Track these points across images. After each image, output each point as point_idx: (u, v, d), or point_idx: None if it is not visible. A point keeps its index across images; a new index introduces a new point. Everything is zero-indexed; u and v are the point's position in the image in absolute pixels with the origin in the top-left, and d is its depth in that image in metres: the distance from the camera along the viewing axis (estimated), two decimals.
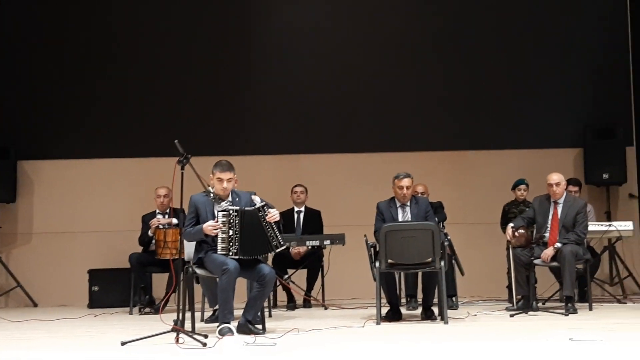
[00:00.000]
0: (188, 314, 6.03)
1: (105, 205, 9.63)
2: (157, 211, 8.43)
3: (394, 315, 6.87)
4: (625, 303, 8.10)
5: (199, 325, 6.44)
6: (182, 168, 5.73)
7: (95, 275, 8.84)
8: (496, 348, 5.13)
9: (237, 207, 6.01)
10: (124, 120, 9.81)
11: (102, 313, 8.07)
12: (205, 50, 9.93)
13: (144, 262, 8.19)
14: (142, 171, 9.56)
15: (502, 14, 9.93)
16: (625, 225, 8.35)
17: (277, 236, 6.02)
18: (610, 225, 8.39)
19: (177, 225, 8.15)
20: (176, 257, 7.56)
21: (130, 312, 8.08)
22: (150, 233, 8.23)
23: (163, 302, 7.92)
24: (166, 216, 8.39)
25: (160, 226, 8.13)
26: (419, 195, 7.77)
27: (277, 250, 6.11)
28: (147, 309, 8.09)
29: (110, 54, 9.89)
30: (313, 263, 8.44)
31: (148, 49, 9.91)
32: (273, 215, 6.01)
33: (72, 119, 9.82)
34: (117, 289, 8.64)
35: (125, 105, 9.84)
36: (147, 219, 8.39)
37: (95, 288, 8.79)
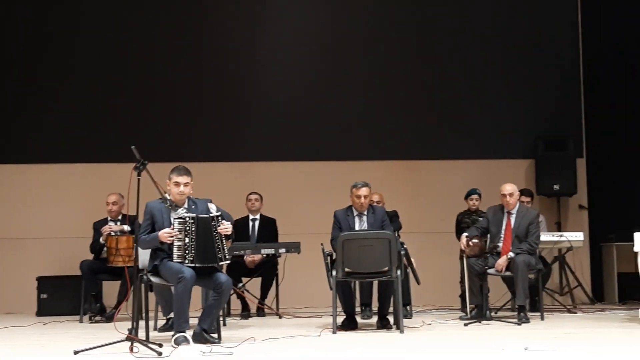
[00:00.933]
0: (142, 323, 5.92)
1: (56, 212, 9.45)
2: (109, 218, 8.29)
3: (349, 324, 6.86)
4: (576, 312, 8.23)
5: (153, 334, 6.33)
6: (139, 174, 5.65)
7: (44, 283, 8.67)
8: (454, 357, 5.16)
9: (194, 215, 5.94)
10: (76, 126, 9.63)
11: (52, 321, 7.90)
12: (162, 57, 9.83)
13: (95, 269, 8.04)
14: (94, 177, 9.41)
15: (458, 27, 10.04)
16: (576, 236, 8.51)
17: (223, 249, 5.94)
18: (561, 235, 8.54)
19: (129, 232, 8.03)
20: (129, 265, 7.51)
21: (81, 321, 7.93)
22: (102, 240, 8.10)
23: (116, 311, 7.87)
24: (118, 223, 8.26)
25: (112, 233, 8.00)
26: (375, 204, 7.79)
27: (220, 263, 6.02)
28: (98, 317, 7.94)
29: (66, 59, 9.72)
30: (268, 271, 8.40)
31: (105, 55, 9.76)
32: (225, 228, 5.94)
33: (23, 123, 9.62)
34: (67, 296, 8.47)
35: (79, 111, 9.67)
36: (98, 225, 8.25)
37: (44, 295, 8.62)
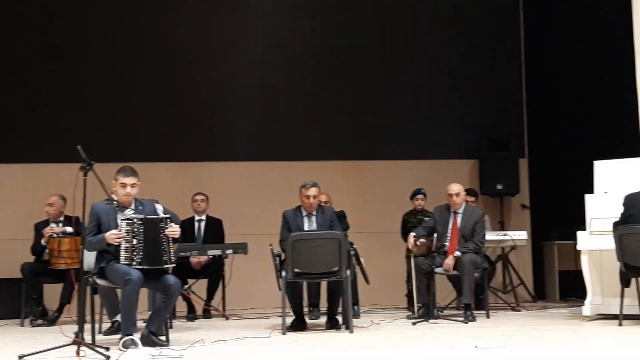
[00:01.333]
0: (87, 326, 5.79)
1: None
2: (51, 220, 8.09)
3: (299, 325, 6.84)
4: (519, 310, 8.36)
5: (98, 337, 6.20)
6: (85, 175, 5.52)
7: None
8: (405, 356, 5.19)
9: (142, 216, 5.84)
10: (16, 126, 9.40)
11: None
12: (103, 55, 9.64)
13: (36, 272, 7.85)
14: (35, 178, 9.21)
15: (404, 29, 10.12)
16: (520, 235, 8.66)
17: (169, 252, 5.85)
18: (505, 234, 8.68)
19: (71, 234, 7.86)
20: (71, 267, 7.35)
21: (22, 324, 7.74)
22: (43, 242, 7.90)
23: (58, 314, 7.71)
24: (60, 225, 8.07)
25: (55, 235, 7.81)
26: (323, 204, 7.77)
27: (165, 267, 5.92)
28: (40, 321, 7.75)
29: (5, 57, 9.46)
30: (214, 273, 8.31)
31: (45, 53, 9.53)
32: (173, 231, 5.86)
33: None
34: (6, 300, 8.29)
35: (17, 109, 9.44)
36: (40, 227, 8.05)
37: None
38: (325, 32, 10.05)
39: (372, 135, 9.99)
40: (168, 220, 5.87)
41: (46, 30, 9.60)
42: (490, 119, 10.10)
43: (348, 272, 6.58)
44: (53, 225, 8.05)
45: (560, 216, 9.51)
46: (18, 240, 8.53)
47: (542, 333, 6.33)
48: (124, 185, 5.90)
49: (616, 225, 6.67)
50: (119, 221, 5.86)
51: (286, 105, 9.89)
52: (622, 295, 6.59)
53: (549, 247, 9.77)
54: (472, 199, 8.71)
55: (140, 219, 5.79)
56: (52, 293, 8.06)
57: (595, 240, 6.95)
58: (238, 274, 8.39)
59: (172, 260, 5.87)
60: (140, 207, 6.00)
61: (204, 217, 8.60)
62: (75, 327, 5.46)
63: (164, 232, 5.82)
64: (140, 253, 5.75)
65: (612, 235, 6.62)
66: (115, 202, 5.90)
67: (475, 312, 7.42)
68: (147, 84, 9.71)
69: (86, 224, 5.80)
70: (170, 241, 5.86)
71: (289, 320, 6.79)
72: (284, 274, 6.60)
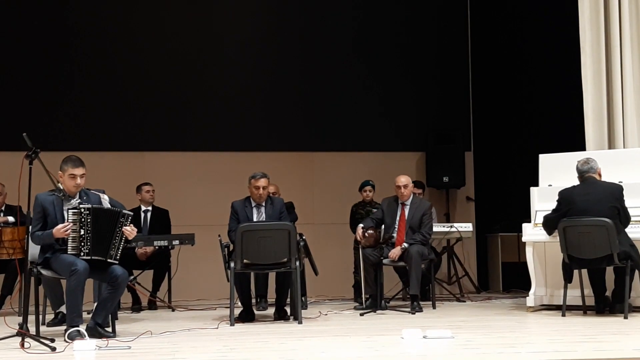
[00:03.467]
0: (31, 317, 5.66)
1: None
2: None
3: (247, 316, 6.81)
4: (464, 301, 8.48)
5: (42, 329, 6.07)
6: (31, 163, 5.39)
7: None
8: (355, 346, 5.21)
9: (89, 205, 5.74)
10: None
11: None
12: (52, 39, 9.42)
13: None
14: None
15: (353, 21, 10.14)
16: (466, 227, 8.77)
17: (118, 248, 5.77)
18: (452, 226, 8.78)
19: (14, 223, 7.68)
20: (14, 257, 7.19)
21: None
22: None
23: (1, 305, 7.53)
24: (2, 214, 7.87)
25: None
26: (272, 195, 7.75)
27: (108, 261, 5.81)
28: None
29: None
30: (160, 264, 8.22)
31: None
32: (131, 232, 5.79)
33: None
34: None
35: None
36: None
37: None
38: (278, 23, 10.00)
39: (321, 127, 10.00)
40: (129, 218, 5.78)
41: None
42: (437, 112, 10.20)
43: (297, 263, 6.58)
44: None
45: (504, 208, 9.67)
46: None
47: (488, 323, 6.42)
48: (73, 176, 5.79)
49: (547, 218, 6.82)
50: (64, 212, 5.75)
51: (236, 95, 9.82)
52: (565, 287, 6.72)
53: (493, 239, 9.93)
54: (419, 191, 8.79)
55: (88, 209, 5.69)
56: None
57: (540, 233, 7.07)
58: (184, 265, 8.32)
59: (117, 258, 5.78)
60: (85, 197, 5.89)
61: (150, 208, 8.50)
62: (18, 319, 5.36)
63: (121, 228, 5.73)
64: (89, 243, 5.66)
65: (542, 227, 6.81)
66: (62, 192, 5.78)
67: (421, 303, 7.48)
68: (94, 72, 9.53)
69: (31, 215, 5.66)
70: (124, 239, 5.78)
71: (237, 311, 6.76)
72: (232, 265, 6.56)
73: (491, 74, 10.23)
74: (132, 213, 5.92)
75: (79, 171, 5.80)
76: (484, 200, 10.15)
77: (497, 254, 9.80)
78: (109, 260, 5.74)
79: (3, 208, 7.93)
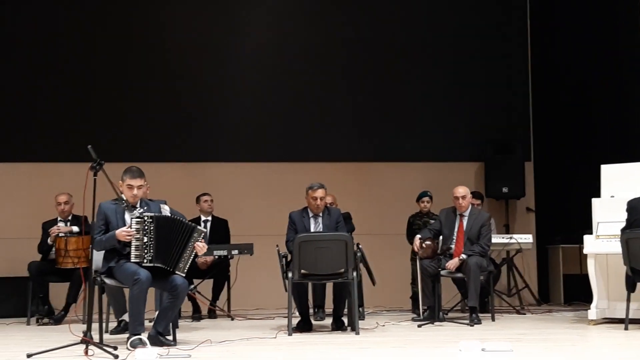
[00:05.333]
0: (95, 325, 5.80)
1: (2, 211, 9.20)
2: (59, 219, 8.11)
3: (304, 326, 6.85)
4: (524, 314, 8.37)
5: (105, 336, 6.21)
6: (95, 174, 5.54)
7: None
8: (412, 358, 5.20)
9: (152, 214, 5.87)
10: (24, 124, 9.42)
11: None
12: (113, 54, 9.67)
13: (44, 271, 7.87)
14: (42, 177, 9.23)
15: (410, 29, 10.13)
16: (526, 238, 8.67)
17: (188, 262, 5.87)
18: (511, 238, 8.68)
19: (78, 233, 7.88)
20: (78, 266, 7.38)
21: (28, 323, 7.76)
22: (50, 241, 7.91)
23: (65, 313, 7.73)
24: (68, 224, 8.09)
25: (61, 234, 7.83)
26: (329, 205, 7.79)
27: (176, 273, 5.89)
28: (46, 320, 7.78)
29: (11, 53, 9.47)
30: (219, 273, 8.34)
31: (53, 49, 9.56)
32: (202, 247, 5.90)
33: None
34: (13, 298, 8.34)
35: (27, 108, 9.45)
36: (47, 226, 8.06)
37: None
38: (331, 33, 10.04)
39: (379, 137, 10.00)
40: (202, 234, 5.91)
41: (55, 30, 9.60)
42: (497, 122, 10.10)
43: (354, 273, 6.60)
44: (60, 224, 8.06)
45: (565, 220, 9.53)
46: (25, 239, 8.53)
47: (548, 336, 6.33)
48: (130, 187, 5.93)
49: (623, 231, 6.68)
50: (127, 220, 5.89)
51: (293, 106, 9.90)
52: (628, 300, 6.60)
53: (554, 251, 9.78)
54: (477, 201, 8.72)
55: (151, 217, 5.81)
56: (58, 292, 8.07)
57: (602, 244, 6.96)
58: (243, 275, 8.41)
59: (184, 271, 5.89)
60: (145, 207, 6.02)
61: (210, 218, 8.62)
62: (82, 327, 5.49)
63: (194, 243, 5.84)
64: (152, 251, 5.77)
65: (619, 240, 6.63)
66: (124, 202, 5.92)
67: (480, 315, 7.42)
68: (155, 85, 9.72)
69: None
70: (194, 254, 5.89)
71: (295, 321, 6.80)
72: (290, 275, 6.61)
73: (552, 82, 10.10)
74: (205, 230, 6.02)
75: (136, 182, 5.93)
76: (545, 211, 10.00)
77: (558, 266, 9.65)
78: (177, 272, 5.83)
79: (70, 218, 8.13)
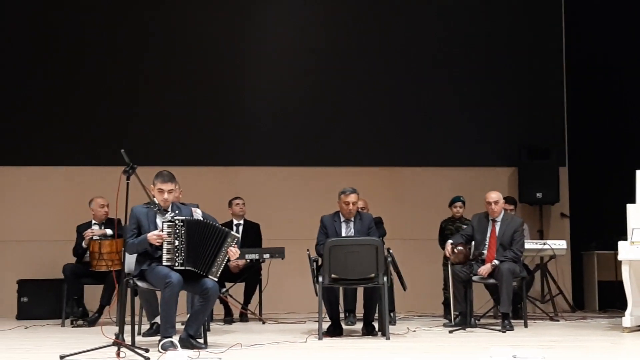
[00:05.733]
0: (127, 327, 5.86)
1: (38, 214, 9.34)
2: (94, 222, 8.21)
3: (335, 330, 6.84)
4: (558, 320, 8.27)
5: (137, 339, 6.27)
6: (128, 178, 5.60)
7: (24, 286, 8.63)
8: None
9: (183, 217, 5.91)
10: (60, 129, 9.54)
11: (33, 325, 7.82)
12: (149, 60, 9.76)
13: (78, 273, 7.97)
14: (76, 180, 9.35)
15: (443, 35, 10.09)
16: (559, 244, 8.58)
17: (220, 266, 5.92)
18: (544, 243, 8.59)
19: (112, 236, 7.97)
20: (112, 269, 7.46)
21: (62, 325, 7.85)
22: (84, 244, 8.01)
23: (99, 315, 7.82)
24: (102, 227, 8.18)
25: (95, 237, 7.92)
26: (360, 210, 7.77)
27: (208, 277, 5.92)
28: (80, 322, 7.86)
29: (45, 58, 9.62)
30: (251, 276, 8.37)
31: (88, 55, 9.68)
32: (235, 252, 5.94)
33: (3, 125, 9.49)
34: (47, 300, 8.45)
35: (62, 113, 9.57)
36: (81, 229, 8.15)
37: (24, 299, 8.58)
38: (363, 38, 10.05)
39: (412, 142, 9.96)
40: (235, 239, 5.95)
41: (88, 37, 9.72)
42: (531, 126, 10.02)
43: (385, 278, 6.58)
44: (94, 227, 8.15)
45: (600, 225, 9.41)
46: (60, 242, 8.66)
47: (581, 344, 6.26)
48: (161, 191, 5.98)
49: None
50: (158, 223, 5.94)
51: (326, 111, 9.92)
52: None
53: (589, 257, 9.65)
54: (510, 207, 8.64)
55: (182, 221, 5.86)
56: (92, 294, 8.17)
57: (637, 251, 6.86)
58: (275, 279, 8.44)
59: (217, 275, 5.93)
60: (177, 211, 6.07)
61: (242, 222, 8.67)
62: (115, 329, 5.55)
63: (227, 248, 5.88)
64: (183, 254, 5.81)
65: None
66: (156, 206, 5.97)
67: (513, 321, 7.36)
68: (187, 90, 9.79)
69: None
70: (227, 259, 5.93)
71: (326, 325, 6.81)
72: (320, 279, 6.62)
73: (587, 86, 9.96)
74: (238, 235, 6.05)
75: (167, 186, 5.98)
76: (579, 217, 9.88)
77: (593, 272, 9.52)
78: (210, 277, 5.87)
79: (104, 221, 8.22)
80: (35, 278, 8.74)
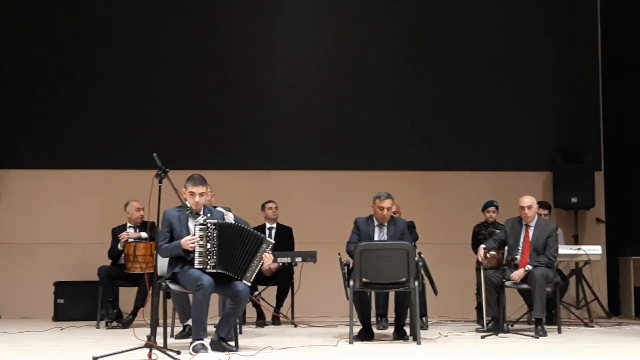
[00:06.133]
0: (159, 329, 5.92)
1: (74, 217, 9.49)
2: (129, 225, 8.30)
3: (366, 335, 6.84)
4: (593, 327, 8.18)
5: (170, 341, 6.34)
6: (160, 182, 5.66)
7: (60, 288, 8.75)
8: None
9: (215, 221, 5.96)
10: (94, 132, 9.70)
11: (68, 326, 7.93)
12: (182, 65, 9.88)
13: (113, 275, 8.06)
14: (112, 184, 9.47)
15: (475, 38, 10.04)
16: (594, 250, 8.47)
17: (254, 271, 5.96)
18: (579, 249, 8.50)
19: (146, 239, 8.05)
20: (146, 272, 7.53)
21: (97, 326, 7.95)
22: (120, 246, 8.11)
23: (133, 317, 7.91)
24: (137, 230, 8.27)
25: (130, 240, 8.01)
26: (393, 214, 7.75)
27: (242, 281, 5.96)
28: (115, 323, 7.95)
29: (80, 63, 9.77)
30: (283, 280, 8.40)
31: (122, 59, 9.82)
32: (269, 258, 5.99)
33: (40, 128, 9.67)
34: (83, 302, 8.58)
35: (96, 116, 9.74)
36: (117, 232, 8.25)
37: (61, 301, 8.69)
38: (394, 41, 10.04)
39: (445, 146, 9.93)
40: (270, 245, 5.99)
41: (120, 40, 9.85)
42: (566, 130, 9.92)
43: (416, 283, 6.56)
44: (129, 230, 8.24)
45: (636, 230, 9.28)
46: (95, 244, 8.79)
47: (615, 350, 6.18)
48: (192, 194, 6.02)
49: None
50: (190, 227, 6.00)
51: (359, 115, 9.93)
52: None
53: (625, 262, 9.53)
54: (545, 211, 8.56)
55: (214, 224, 5.90)
56: (127, 296, 8.26)
57: None
58: (307, 282, 8.46)
59: (250, 280, 5.98)
60: (209, 214, 6.11)
61: (274, 225, 8.70)
62: (148, 331, 5.60)
63: (262, 253, 5.92)
64: (215, 257, 5.85)
65: None
66: (189, 209, 6.02)
67: (546, 327, 7.29)
68: (219, 94, 9.88)
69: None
70: (261, 264, 5.98)
71: (357, 329, 6.81)
72: (351, 283, 6.62)
73: (623, 89, 9.84)
74: (273, 242, 6.09)
75: (198, 189, 6.03)
76: (615, 222, 9.76)
77: (629, 278, 9.40)
78: (244, 281, 5.91)
79: (139, 224, 8.31)
80: (72, 280, 8.86)
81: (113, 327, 7.89)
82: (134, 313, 7.98)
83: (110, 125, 9.72)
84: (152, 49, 9.87)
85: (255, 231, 6.08)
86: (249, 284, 5.95)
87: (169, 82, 9.83)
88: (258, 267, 5.96)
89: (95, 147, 9.66)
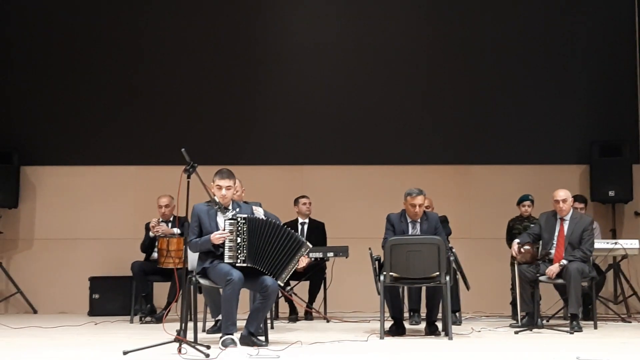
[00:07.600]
0: (190, 324, 5.95)
1: (108, 213, 9.58)
2: (161, 220, 8.35)
3: (397, 330, 6.79)
4: (630, 322, 8.03)
5: (201, 335, 6.36)
6: (189, 177, 5.68)
7: (96, 283, 8.82)
8: None
9: (245, 215, 5.97)
10: (128, 128, 9.77)
11: (103, 321, 8.01)
12: (212, 60, 9.90)
13: (146, 270, 8.13)
14: (146, 179, 9.53)
15: (509, 30, 9.91)
16: (632, 244, 8.30)
17: (289, 272, 5.97)
18: (616, 243, 8.34)
19: (180, 234, 8.09)
20: (179, 267, 7.57)
21: (131, 321, 8.01)
22: (151, 234, 8.14)
23: (166, 312, 7.94)
24: (169, 225, 8.32)
25: (162, 235, 8.05)
26: (425, 209, 7.68)
27: (277, 281, 5.94)
28: (148, 318, 8.02)
29: (115, 61, 9.86)
30: (316, 275, 8.39)
31: (154, 56, 9.88)
32: (304, 260, 6.04)
33: (76, 125, 9.77)
34: (118, 297, 8.65)
35: (130, 113, 9.80)
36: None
37: (96, 296, 8.76)
38: (426, 33, 9.94)
39: (479, 139, 9.80)
40: (308, 247, 6.01)
41: (148, 38, 9.91)
42: (603, 123, 9.73)
43: (447, 277, 6.50)
44: (162, 224, 8.28)
45: None
46: (129, 239, 8.87)
47: None
48: (219, 187, 6.04)
49: None
50: (219, 222, 6.01)
51: (391, 109, 9.86)
52: None
53: None
54: (581, 205, 8.42)
55: (244, 218, 5.91)
56: (160, 291, 8.32)
57: None
58: (339, 277, 8.44)
59: (285, 281, 5.97)
60: (237, 209, 6.12)
61: (307, 220, 8.69)
62: (179, 325, 5.63)
63: (300, 256, 5.97)
64: (245, 251, 5.86)
65: None
66: (217, 204, 6.04)
67: (582, 322, 7.18)
68: (255, 89, 9.89)
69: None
70: (296, 265, 5.98)
71: (388, 324, 6.76)
72: (382, 278, 6.57)
73: None
74: (311, 246, 6.09)
75: (224, 183, 6.04)
76: None
77: None
78: (278, 282, 5.92)
79: (171, 219, 8.36)
80: (107, 275, 8.95)
81: (146, 322, 7.96)
82: (167, 308, 8.02)
83: (143, 123, 9.76)
84: (183, 46, 9.91)
85: (295, 233, 6.08)
86: (282, 284, 5.95)
87: (200, 78, 9.87)
88: (293, 269, 5.96)
89: (129, 144, 9.73)
